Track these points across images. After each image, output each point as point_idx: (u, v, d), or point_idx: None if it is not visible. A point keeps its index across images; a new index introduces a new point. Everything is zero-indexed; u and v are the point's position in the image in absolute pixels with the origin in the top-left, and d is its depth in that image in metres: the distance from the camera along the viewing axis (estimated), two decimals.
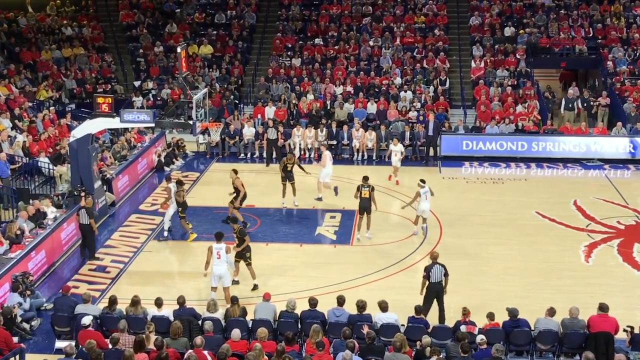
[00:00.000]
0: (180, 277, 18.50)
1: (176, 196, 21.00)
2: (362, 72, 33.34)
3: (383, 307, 14.69)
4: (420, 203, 20.65)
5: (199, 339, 12.97)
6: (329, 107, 31.32)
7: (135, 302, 14.99)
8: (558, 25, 35.03)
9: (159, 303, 15.01)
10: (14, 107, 27.13)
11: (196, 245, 20.45)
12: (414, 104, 31.01)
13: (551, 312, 14.51)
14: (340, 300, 14.88)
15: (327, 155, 24.02)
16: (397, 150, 25.49)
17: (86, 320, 14.02)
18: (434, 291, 15.80)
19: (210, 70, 34.10)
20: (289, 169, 23.06)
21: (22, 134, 24.83)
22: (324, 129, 28.88)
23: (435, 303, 15.85)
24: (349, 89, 32.36)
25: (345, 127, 29.01)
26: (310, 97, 31.52)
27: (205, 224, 22.06)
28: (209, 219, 22.49)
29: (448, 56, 34.36)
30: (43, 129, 26.04)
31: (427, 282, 15.81)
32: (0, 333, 14.01)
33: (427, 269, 15.85)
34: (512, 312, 14.46)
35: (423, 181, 20.86)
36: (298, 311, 14.81)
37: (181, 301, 14.87)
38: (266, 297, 15.23)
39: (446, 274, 15.83)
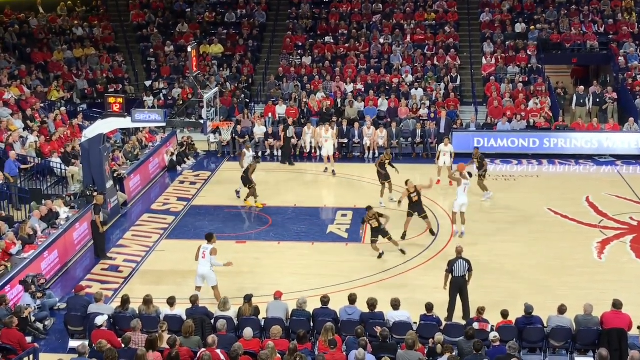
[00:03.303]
0: (192, 276, 18.46)
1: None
2: (372, 70, 33.28)
3: (395, 304, 14.69)
4: (458, 196, 20.39)
5: (210, 338, 12.99)
6: (339, 105, 31.29)
7: (147, 301, 15.04)
8: (569, 21, 34.90)
9: (171, 302, 15.06)
10: (26, 108, 27.23)
11: None
12: (424, 102, 30.95)
13: (562, 309, 14.48)
14: (352, 299, 14.90)
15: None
16: (447, 150, 24.62)
17: (99, 321, 14.06)
18: (457, 285, 15.87)
19: (221, 69, 34.14)
20: (386, 165, 22.90)
21: (33, 134, 24.91)
22: (335, 127, 28.84)
23: (458, 298, 15.95)
24: (360, 86, 32.32)
25: (356, 125, 28.97)
26: (321, 95, 31.49)
27: (216, 222, 22.11)
28: (220, 217, 22.55)
29: (459, 53, 34.28)
30: (55, 129, 26.13)
31: (450, 276, 15.87)
32: (13, 334, 14.08)
33: (451, 263, 15.92)
34: (527, 310, 14.43)
35: (470, 174, 20.88)
36: (309, 309, 14.82)
37: (193, 300, 14.92)
38: (277, 296, 15.23)
39: (470, 269, 15.92)
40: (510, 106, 30.35)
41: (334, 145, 27.09)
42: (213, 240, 16.99)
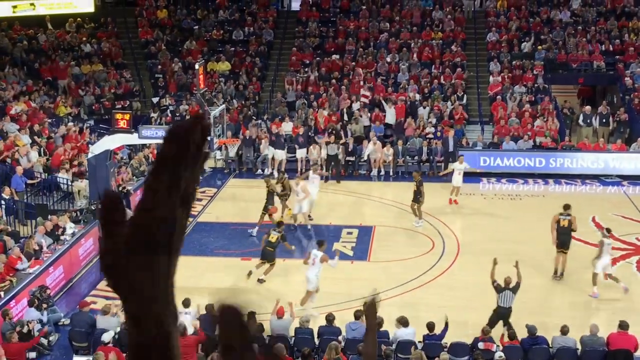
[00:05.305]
0: (197, 292, 18.46)
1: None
2: (379, 88, 33.29)
3: (403, 322, 14.62)
4: (602, 257, 18.10)
5: (216, 355, 12.96)
6: (345, 123, 31.26)
7: None
8: (576, 41, 34.94)
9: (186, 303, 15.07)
10: (34, 123, 27.32)
11: (213, 261, 20.49)
12: (431, 120, 30.97)
13: (564, 330, 14.41)
14: (357, 315, 14.86)
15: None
16: (461, 168, 24.53)
17: (106, 337, 14.04)
18: (501, 316, 15.54)
19: (228, 86, 34.22)
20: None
21: (33, 148, 24.97)
22: (341, 147, 28.79)
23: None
24: (365, 99, 32.30)
25: (364, 143, 28.95)
26: (327, 112, 31.49)
27: (222, 239, 22.10)
28: (226, 234, 22.54)
29: (465, 72, 34.34)
30: (62, 144, 26.19)
31: (496, 306, 15.50)
32: (14, 347, 14.08)
33: (498, 291, 15.56)
34: (531, 330, 14.38)
35: (609, 230, 18.71)
36: (315, 327, 14.79)
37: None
38: (279, 314, 15.22)
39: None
40: (516, 125, 30.35)
41: (310, 200, 22.78)
42: (324, 246, 17.19)
